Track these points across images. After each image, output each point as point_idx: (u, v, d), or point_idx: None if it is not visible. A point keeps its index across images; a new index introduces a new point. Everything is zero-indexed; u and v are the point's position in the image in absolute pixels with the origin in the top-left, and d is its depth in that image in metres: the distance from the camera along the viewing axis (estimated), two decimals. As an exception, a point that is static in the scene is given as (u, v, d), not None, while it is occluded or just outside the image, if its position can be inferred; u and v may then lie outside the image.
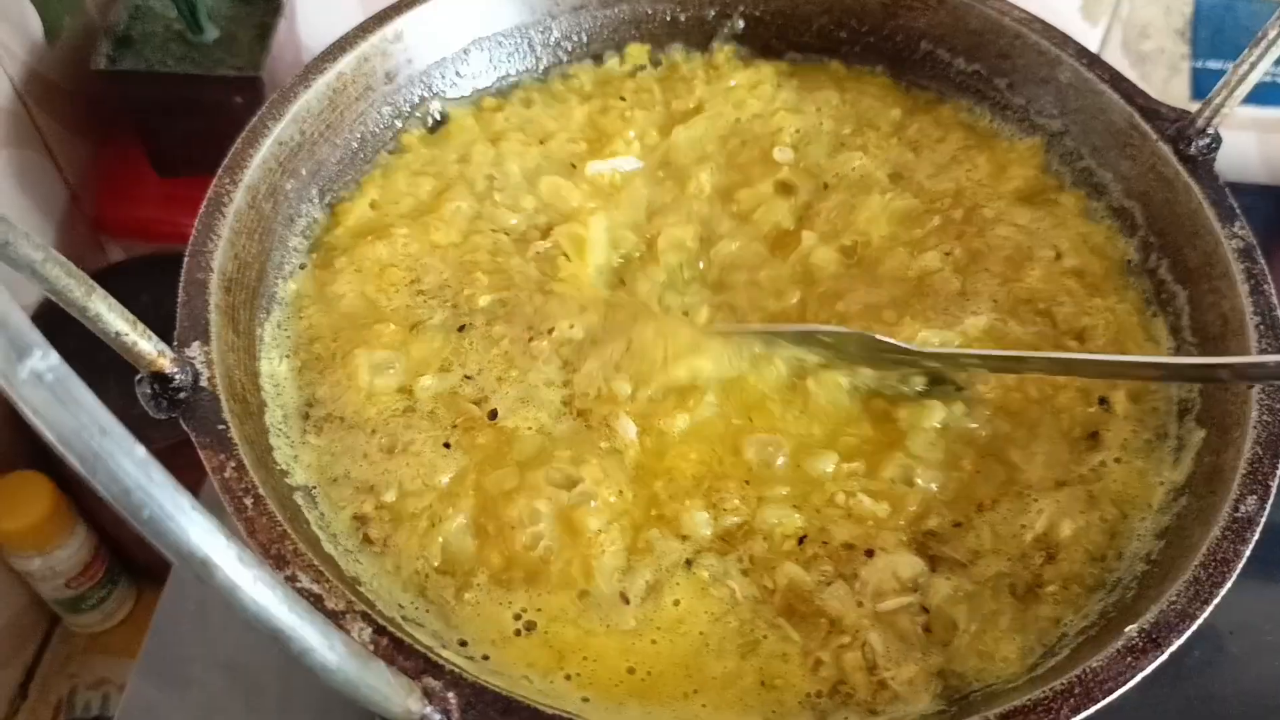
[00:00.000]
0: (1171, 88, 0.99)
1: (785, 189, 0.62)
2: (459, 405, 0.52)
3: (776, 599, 0.47)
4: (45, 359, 0.28)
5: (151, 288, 0.98)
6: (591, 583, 0.47)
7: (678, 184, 0.62)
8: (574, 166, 0.62)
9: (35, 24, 0.85)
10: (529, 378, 0.53)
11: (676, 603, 0.47)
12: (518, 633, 0.46)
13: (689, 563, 0.48)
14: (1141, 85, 1.00)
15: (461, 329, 0.55)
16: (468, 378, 0.53)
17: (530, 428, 0.51)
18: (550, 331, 0.54)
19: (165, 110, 0.95)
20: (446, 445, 0.51)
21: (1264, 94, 0.98)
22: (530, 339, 0.54)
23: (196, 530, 0.28)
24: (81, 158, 1.02)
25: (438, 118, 0.64)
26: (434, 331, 0.55)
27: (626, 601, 0.47)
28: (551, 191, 0.61)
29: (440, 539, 0.48)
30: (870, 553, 0.48)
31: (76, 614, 0.99)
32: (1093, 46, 0.96)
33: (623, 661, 0.45)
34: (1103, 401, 0.53)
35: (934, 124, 0.65)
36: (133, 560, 1.03)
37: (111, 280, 0.99)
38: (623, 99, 0.66)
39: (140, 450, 0.28)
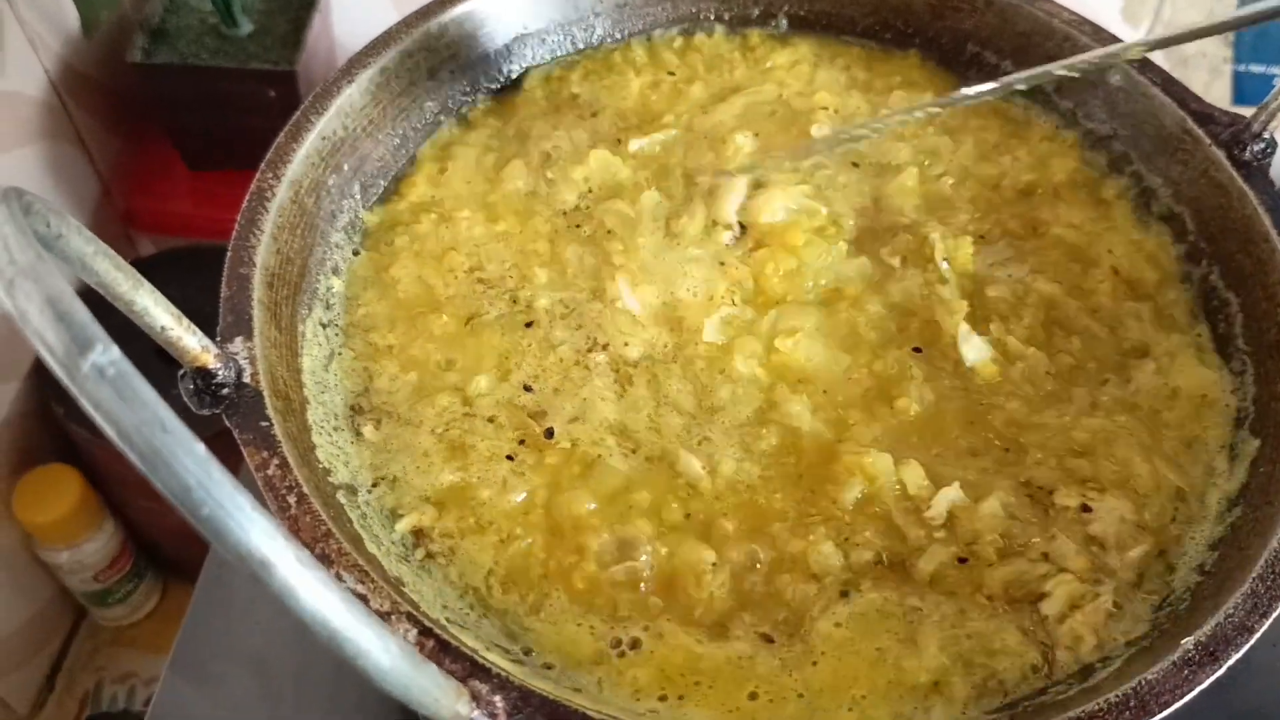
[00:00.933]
0: (1213, 91, 0.98)
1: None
2: (518, 417, 0.52)
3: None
4: (107, 353, 0.27)
5: (180, 282, 0.98)
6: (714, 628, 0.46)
7: (712, 148, 0.61)
8: (619, 142, 0.62)
9: (71, 16, 0.85)
10: (583, 391, 0.52)
11: (838, 625, 0.46)
12: (620, 654, 0.46)
13: (844, 594, 0.47)
14: (1183, 89, 0.99)
15: (528, 325, 0.55)
16: (527, 388, 0.53)
17: (598, 454, 0.50)
18: (606, 346, 0.54)
19: (198, 104, 0.95)
20: (510, 458, 0.50)
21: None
22: (589, 349, 0.54)
23: (257, 530, 0.28)
24: (114, 151, 1.02)
25: (483, 111, 0.64)
26: (492, 328, 0.54)
27: (771, 641, 0.46)
28: (601, 166, 0.60)
29: (509, 556, 0.48)
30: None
31: (103, 607, 0.99)
32: (1133, 50, 0.95)
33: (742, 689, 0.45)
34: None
35: (972, 112, 0.64)
36: (160, 554, 1.03)
37: (141, 273, 1.00)
38: (671, 74, 0.65)
39: (201, 448, 0.28)
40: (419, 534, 0.48)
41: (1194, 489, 0.50)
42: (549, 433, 0.51)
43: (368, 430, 0.51)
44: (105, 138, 1.01)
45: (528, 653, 0.45)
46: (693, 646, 0.45)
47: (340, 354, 0.54)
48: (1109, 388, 0.53)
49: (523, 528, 0.48)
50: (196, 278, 1.00)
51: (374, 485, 0.50)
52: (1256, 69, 0.95)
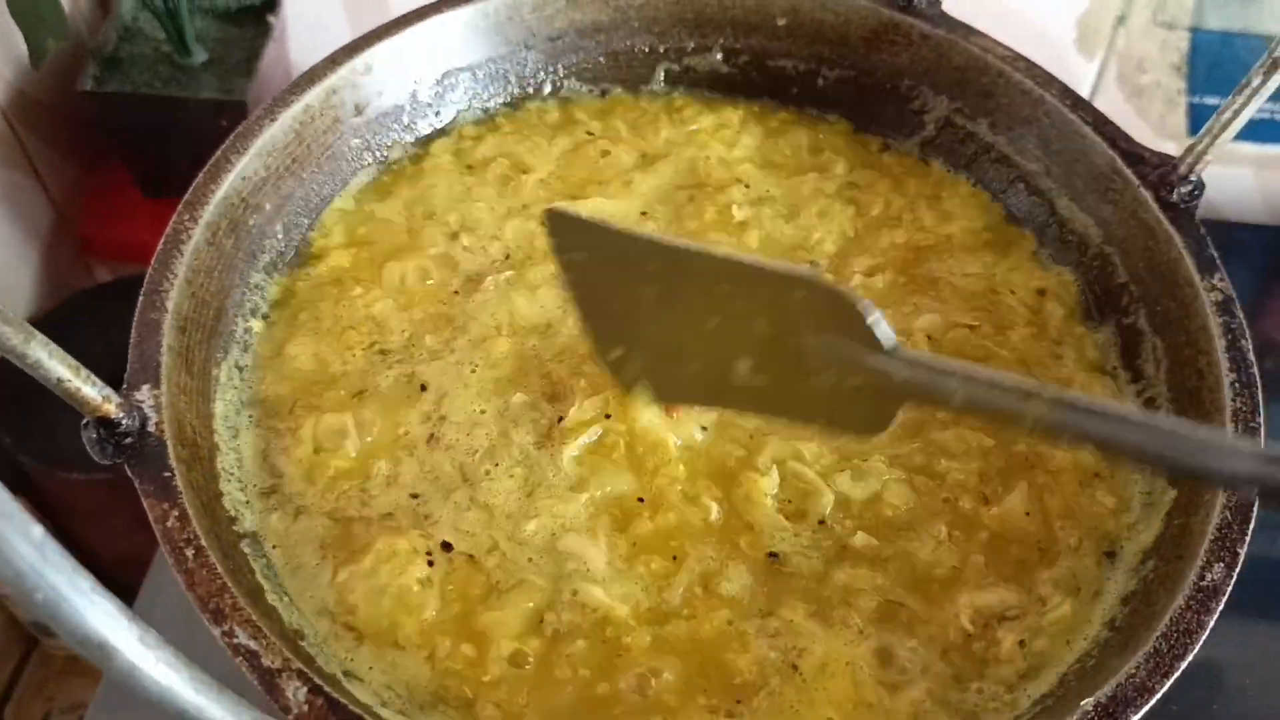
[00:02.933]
0: (1169, 122, 0.97)
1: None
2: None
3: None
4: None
5: (137, 309, 0.98)
6: None
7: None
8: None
9: (21, 43, 0.85)
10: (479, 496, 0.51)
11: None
12: None
13: None
14: (1138, 119, 1.00)
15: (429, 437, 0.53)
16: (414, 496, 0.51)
17: (497, 566, 0.49)
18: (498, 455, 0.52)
19: (151, 132, 0.95)
20: (430, 563, 0.49)
21: (1264, 131, 0.96)
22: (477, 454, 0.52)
23: (95, 613, 0.27)
24: (68, 179, 1.02)
25: (409, 149, 0.64)
26: (390, 403, 0.54)
27: None
28: (520, 235, 0.60)
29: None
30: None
31: (53, 636, 0.98)
32: (1089, 80, 0.95)
33: None
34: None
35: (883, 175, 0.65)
36: (109, 581, 1.02)
37: (97, 301, 0.99)
38: (590, 134, 0.65)
39: (37, 530, 0.27)
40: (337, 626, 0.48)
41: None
42: (446, 546, 0.49)
43: (274, 511, 0.50)
44: (59, 165, 1.00)
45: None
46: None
47: (249, 414, 0.53)
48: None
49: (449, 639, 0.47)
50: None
51: (288, 569, 0.49)
52: (1211, 100, 0.95)
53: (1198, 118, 0.96)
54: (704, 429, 0.52)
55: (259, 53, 0.96)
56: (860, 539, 0.49)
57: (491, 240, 0.60)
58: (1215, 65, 0.93)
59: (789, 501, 0.51)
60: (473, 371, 0.54)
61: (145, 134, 0.95)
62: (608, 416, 0.52)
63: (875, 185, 0.63)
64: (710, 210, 0.61)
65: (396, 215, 0.61)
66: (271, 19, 0.98)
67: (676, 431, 0.51)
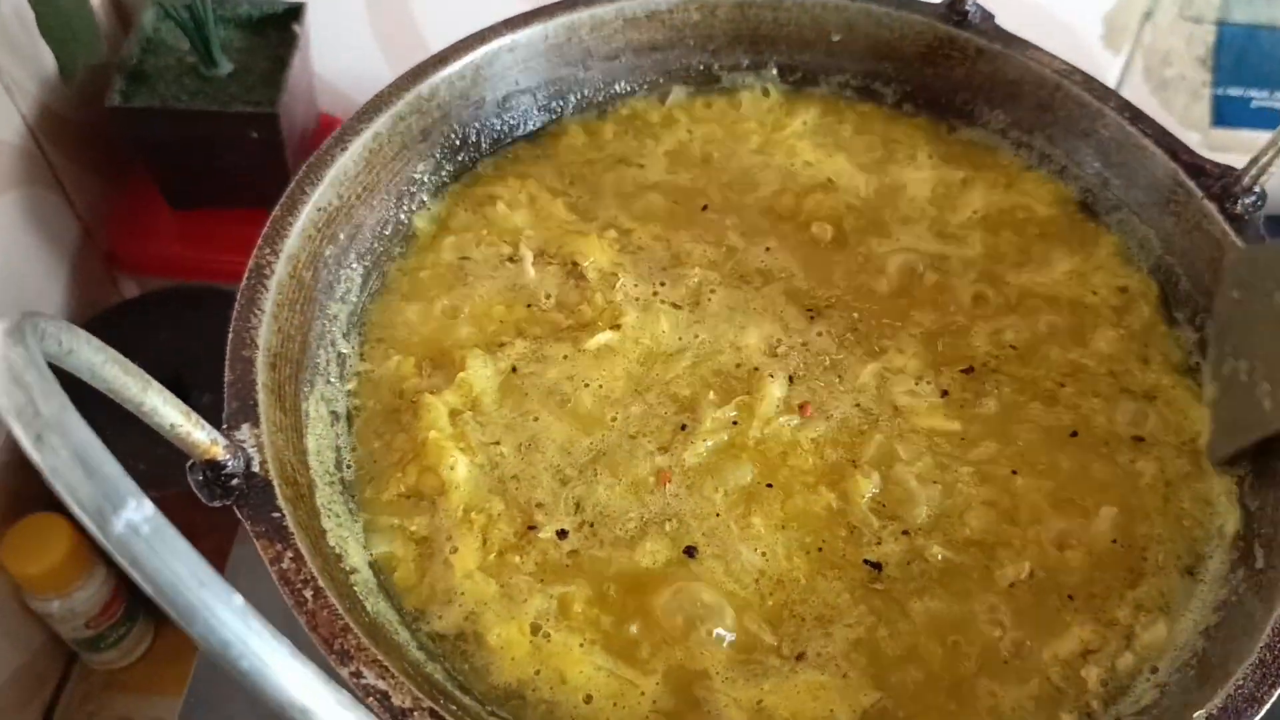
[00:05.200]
0: (1192, 113, 0.98)
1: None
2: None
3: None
4: (140, 509, 0.27)
5: (168, 323, 0.98)
6: None
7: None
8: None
9: (48, 59, 0.84)
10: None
11: None
12: None
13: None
14: (1162, 112, 1.01)
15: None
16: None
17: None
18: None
19: (179, 145, 0.94)
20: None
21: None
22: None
23: (296, 679, 0.28)
24: (95, 193, 1.01)
25: (475, 171, 0.64)
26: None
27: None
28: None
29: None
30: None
31: (96, 652, 0.99)
32: (1114, 74, 0.96)
33: None
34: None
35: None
36: (151, 598, 1.02)
37: (128, 317, 0.99)
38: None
39: (238, 599, 0.28)
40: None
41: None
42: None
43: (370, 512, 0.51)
44: (85, 180, 1.00)
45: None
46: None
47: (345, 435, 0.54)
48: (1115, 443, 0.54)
49: None
50: (183, 318, 1.01)
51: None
52: (1235, 92, 0.96)
53: (1222, 109, 0.97)
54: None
55: (285, 62, 0.95)
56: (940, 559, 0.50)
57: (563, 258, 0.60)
58: (1241, 58, 0.94)
59: (883, 505, 0.52)
60: (586, 386, 0.55)
61: (173, 147, 0.95)
62: (735, 423, 0.53)
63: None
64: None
65: (467, 241, 0.61)
66: (296, 27, 0.98)
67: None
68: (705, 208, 0.63)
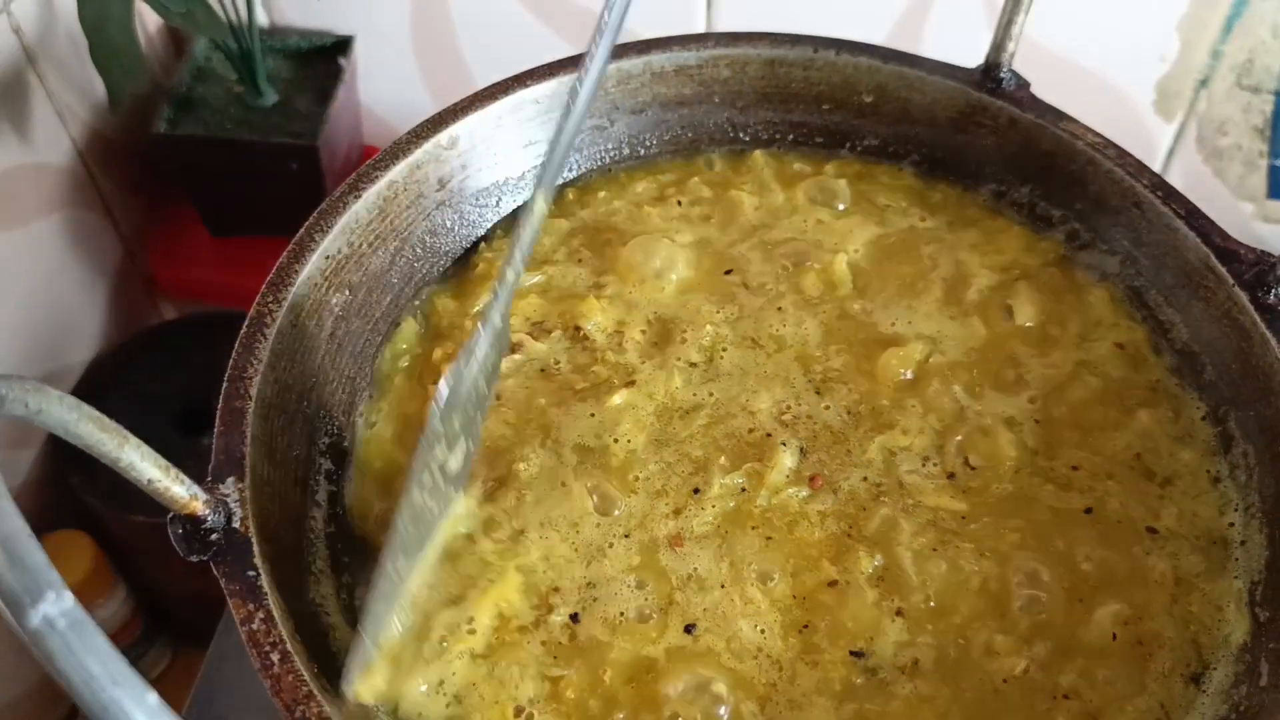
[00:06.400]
0: (1248, 184, 0.96)
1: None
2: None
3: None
4: (59, 603, 0.27)
5: (203, 348, 0.99)
6: None
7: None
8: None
9: (99, 86, 0.86)
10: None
11: None
12: None
13: None
14: (1215, 181, 0.98)
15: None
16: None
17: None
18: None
19: (221, 173, 0.96)
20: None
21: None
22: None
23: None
24: (139, 217, 1.03)
25: (496, 228, 0.63)
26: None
27: None
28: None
29: None
30: None
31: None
32: (1166, 142, 0.94)
33: None
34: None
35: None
36: (170, 620, 1.03)
37: (164, 339, 1.00)
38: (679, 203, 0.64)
39: (152, 697, 0.27)
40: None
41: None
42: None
43: None
44: (130, 204, 1.01)
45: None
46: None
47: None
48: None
49: None
50: (218, 343, 1.01)
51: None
52: (1293, 164, 0.93)
53: (1279, 181, 0.94)
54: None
55: (330, 95, 0.96)
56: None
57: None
58: (1298, 130, 0.91)
59: (881, 580, 0.50)
60: (615, 442, 0.54)
61: (216, 175, 0.96)
62: (743, 490, 0.53)
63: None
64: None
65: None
66: (343, 61, 0.98)
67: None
68: (729, 272, 0.61)
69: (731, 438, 0.55)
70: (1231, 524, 0.53)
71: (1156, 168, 0.97)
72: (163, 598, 1.01)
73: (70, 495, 0.92)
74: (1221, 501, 0.53)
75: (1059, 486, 0.54)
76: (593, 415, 0.55)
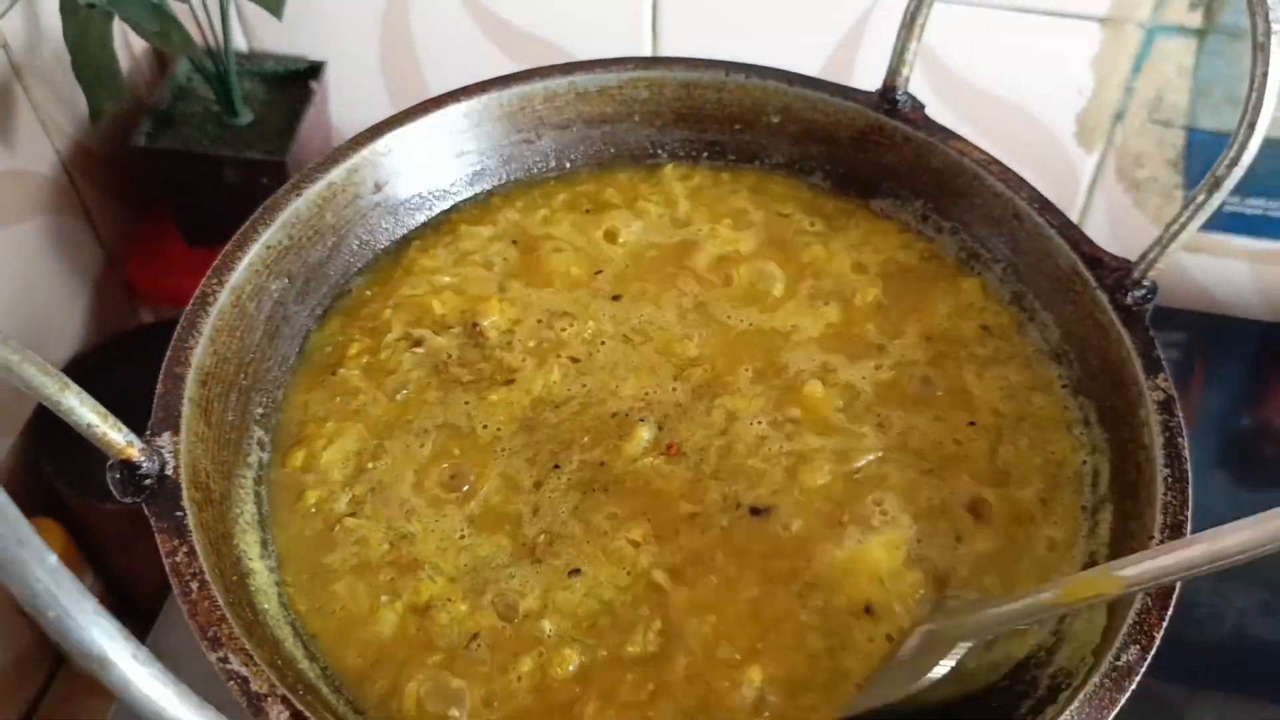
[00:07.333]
0: (1165, 215, 1.01)
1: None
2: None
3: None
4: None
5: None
6: None
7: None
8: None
9: (81, 99, 0.92)
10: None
11: None
12: None
13: None
14: (1136, 211, 1.03)
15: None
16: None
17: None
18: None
19: (197, 186, 1.01)
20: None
21: (1259, 226, 1.00)
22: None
23: (96, 631, 0.32)
24: (119, 225, 1.09)
25: (424, 229, 0.69)
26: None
27: None
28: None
29: None
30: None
31: (78, 656, 1.03)
32: (1088, 173, 1.00)
33: None
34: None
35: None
36: (134, 606, 1.08)
37: (141, 341, 1.05)
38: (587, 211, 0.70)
39: (52, 559, 0.32)
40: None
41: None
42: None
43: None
44: (111, 212, 1.07)
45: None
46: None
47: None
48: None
49: None
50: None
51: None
52: (1205, 196, 0.98)
53: (1192, 213, 1.00)
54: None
55: (300, 115, 1.02)
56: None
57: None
58: (1210, 163, 0.96)
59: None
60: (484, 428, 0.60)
61: (191, 187, 1.02)
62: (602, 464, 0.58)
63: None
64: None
65: (419, 288, 0.66)
66: (314, 85, 1.05)
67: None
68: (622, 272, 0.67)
69: (598, 419, 0.60)
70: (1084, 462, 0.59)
71: (1080, 197, 1.03)
72: (128, 585, 1.05)
73: (43, 484, 0.97)
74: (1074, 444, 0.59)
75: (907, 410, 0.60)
76: (467, 404, 0.60)
